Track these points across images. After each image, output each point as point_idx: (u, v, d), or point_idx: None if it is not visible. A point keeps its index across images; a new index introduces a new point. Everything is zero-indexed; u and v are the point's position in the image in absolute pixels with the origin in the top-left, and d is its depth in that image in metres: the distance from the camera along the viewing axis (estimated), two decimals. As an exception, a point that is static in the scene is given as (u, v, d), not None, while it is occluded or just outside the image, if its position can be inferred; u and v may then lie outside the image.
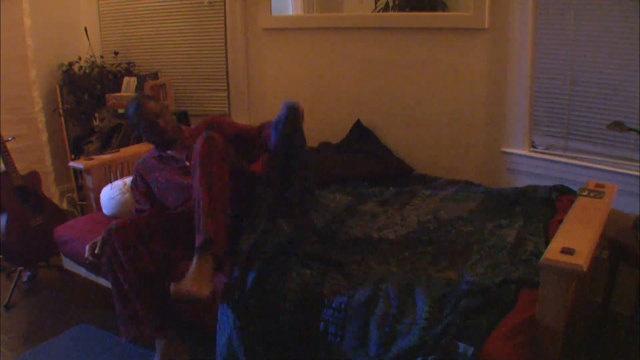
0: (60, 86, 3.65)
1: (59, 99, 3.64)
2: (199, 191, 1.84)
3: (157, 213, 2.28)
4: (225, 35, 3.59)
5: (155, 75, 3.63)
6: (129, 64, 3.80)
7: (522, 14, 2.66)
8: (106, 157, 2.86)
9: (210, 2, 3.57)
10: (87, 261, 2.07)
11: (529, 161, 2.82)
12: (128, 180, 2.60)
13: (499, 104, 2.87)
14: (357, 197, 2.58)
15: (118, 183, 2.61)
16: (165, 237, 2.06)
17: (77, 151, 3.74)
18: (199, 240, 1.77)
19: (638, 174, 2.43)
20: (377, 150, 3.18)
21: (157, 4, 3.75)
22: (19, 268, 2.85)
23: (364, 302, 1.70)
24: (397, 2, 3.25)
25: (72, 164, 2.86)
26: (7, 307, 2.66)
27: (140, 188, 2.36)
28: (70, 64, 3.68)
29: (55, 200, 3.59)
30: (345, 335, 1.66)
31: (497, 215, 2.30)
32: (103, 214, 2.60)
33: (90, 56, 3.75)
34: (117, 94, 3.54)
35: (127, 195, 2.52)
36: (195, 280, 1.71)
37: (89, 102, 3.60)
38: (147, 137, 2.31)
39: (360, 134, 3.29)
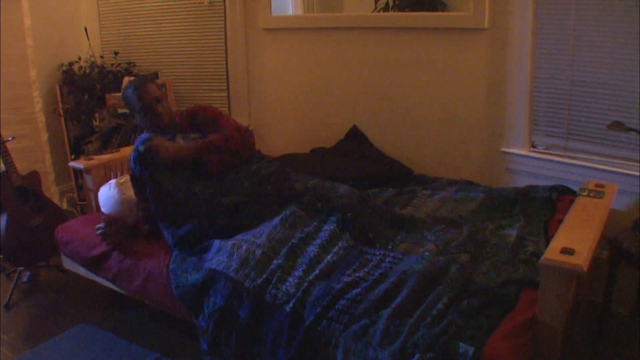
0: (60, 86, 3.65)
1: (59, 99, 3.64)
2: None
3: None
4: (225, 35, 3.59)
5: (155, 75, 3.63)
6: (129, 64, 3.80)
7: (522, 14, 2.66)
8: (106, 157, 2.86)
9: (210, 2, 3.57)
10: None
11: (529, 161, 2.82)
12: (125, 179, 2.61)
13: (498, 104, 2.87)
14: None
15: (116, 181, 2.61)
16: None
17: (77, 151, 3.74)
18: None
19: (638, 174, 2.43)
20: (372, 153, 3.18)
21: (157, 4, 3.75)
22: (19, 268, 2.85)
23: (381, 295, 1.69)
24: (397, 2, 3.25)
25: (72, 164, 2.86)
26: (7, 307, 2.66)
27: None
28: (70, 64, 3.68)
29: (55, 200, 3.58)
30: (351, 323, 1.66)
31: (497, 216, 2.30)
32: (103, 213, 2.60)
33: (90, 56, 3.75)
34: (117, 94, 3.54)
35: (125, 195, 2.52)
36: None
37: (89, 102, 3.59)
38: (142, 121, 2.34)
39: (356, 138, 3.29)
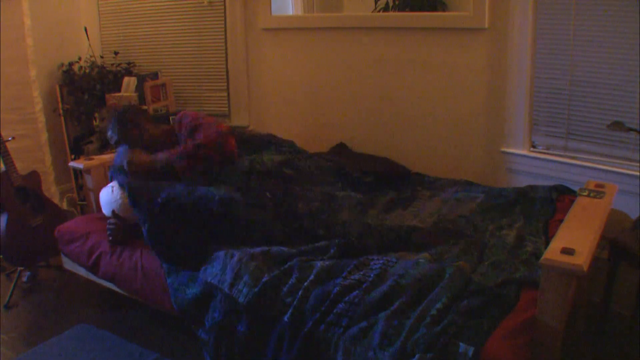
0: (60, 86, 3.65)
1: (59, 99, 3.64)
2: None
3: None
4: (225, 35, 3.59)
5: (155, 75, 3.63)
6: (129, 64, 3.80)
7: (522, 14, 2.66)
8: (106, 157, 2.86)
9: (210, 2, 3.57)
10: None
11: (529, 161, 2.82)
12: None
13: (499, 104, 2.87)
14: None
15: (116, 184, 2.60)
16: None
17: (77, 151, 3.74)
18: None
19: (638, 174, 2.43)
20: (366, 157, 3.16)
21: (157, 4, 3.75)
22: (19, 268, 2.85)
23: (379, 298, 1.69)
24: (397, 2, 3.25)
25: (72, 164, 2.86)
26: (7, 307, 2.66)
27: None
28: (70, 64, 3.68)
29: (55, 200, 3.58)
30: (350, 326, 1.65)
31: (497, 216, 2.30)
32: (103, 214, 2.59)
33: (90, 56, 3.74)
34: (117, 94, 3.54)
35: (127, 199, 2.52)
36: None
37: (89, 102, 3.59)
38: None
39: (341, 152, 3.28)
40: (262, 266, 1.90)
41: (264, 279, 1.84)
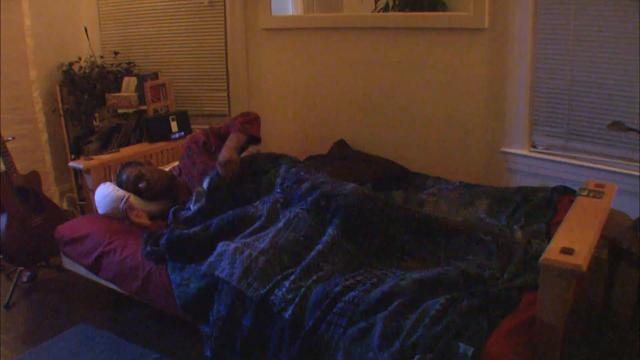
0: (60, 86, 3.65)
1: (59, 99, 3.64)
2: None
3: None
4: (225, 35, 3.59)
5: (155, 75, 3.63)
6: (129, 64, 3.80)
7: (522, 14, 2.66)
8: (106, 157, 2.87)
9: (210, 2, 3.57)
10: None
11: (529, 161, 2.82)
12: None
13: (499, 104, 2.87)
14: None
15: (111, 183, 2.62)
16: None
17: (77, 151, 3.74)
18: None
19: (638, 174, 2.44)
20: (365, 157, 3.16)
21: (157, 4, 3.75)
22: (19, 268, 2.85)
23: (378, 298, 1.68)
24: (397, 2, 3.25)
25: (72, 164, 2.87)
26: (7, 307, 2.66)
27: None
28: (70, 64, 3.68)
29: (55, 200, 3.59)
30: (350, 326, 1.65)
31: (504, 218, 2.29)
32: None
33: (90, 56, 3.75)
34: (117, 94, 3.54)
35: (120, 192, 2.52)
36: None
37: (89, 102, 3.59)
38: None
39: (343, 150, 3.27)
40: (273, 260, 1.92)
41: (276, 279, 1.85)
